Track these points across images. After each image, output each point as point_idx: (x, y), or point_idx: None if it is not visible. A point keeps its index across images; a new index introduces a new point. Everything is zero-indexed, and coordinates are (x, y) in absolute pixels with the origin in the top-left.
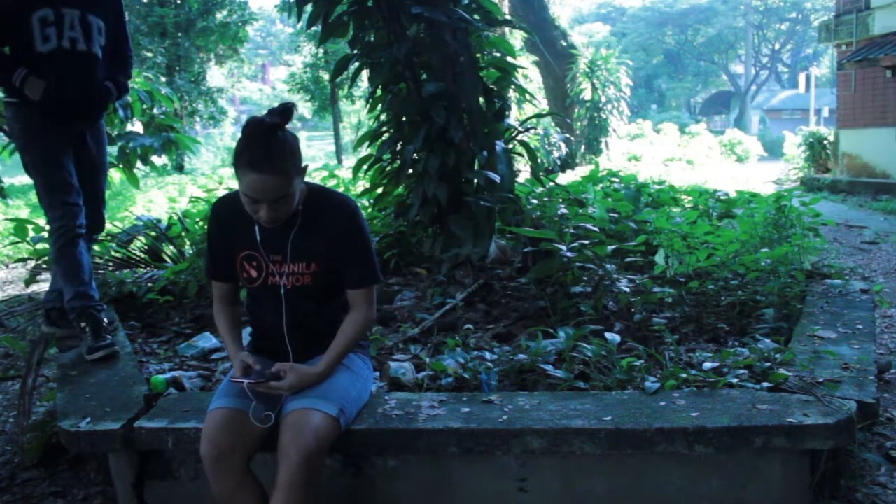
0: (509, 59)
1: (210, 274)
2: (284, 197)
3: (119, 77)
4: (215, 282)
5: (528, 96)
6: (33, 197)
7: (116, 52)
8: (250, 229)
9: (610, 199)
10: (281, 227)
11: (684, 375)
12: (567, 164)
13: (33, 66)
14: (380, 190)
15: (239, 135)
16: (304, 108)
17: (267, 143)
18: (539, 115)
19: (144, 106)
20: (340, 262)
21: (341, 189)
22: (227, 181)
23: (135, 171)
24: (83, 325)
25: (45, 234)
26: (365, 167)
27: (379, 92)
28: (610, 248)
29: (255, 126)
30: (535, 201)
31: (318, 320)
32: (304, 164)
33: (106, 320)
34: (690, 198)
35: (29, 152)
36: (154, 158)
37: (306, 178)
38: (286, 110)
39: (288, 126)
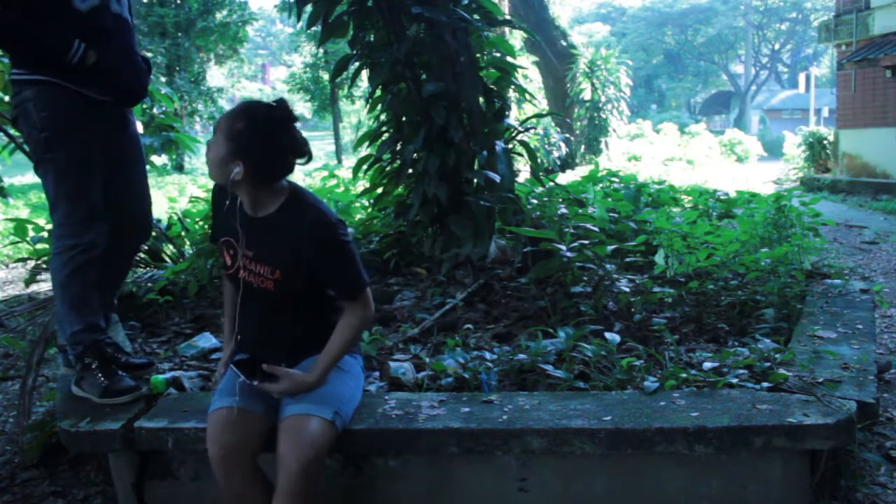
0: (509, 59)
1: (213, 240)
2: (212, 156)
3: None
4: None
5: (528, 96)
6: (33, 197)
7: None
8: (235, 217)
9: (610, 199)
10: (263, 224)
11: (684, 375)
12: (567, 164)
13: (66, 33)
14: (380, 190)
15: None
16: (305, 108)
17: (240, 109)
18: (539, 115)
19: (144, 105)
20: (324, 279)
21: (341, 189)
22: None
23: None
24: (89, 361)
25: (45, 235)
26: (365, 167)
27: (379, 92)
28: (610, 248)
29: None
30: (535, 201)
31: (278, 326)
32: (261, 162)
33: (111, 351)
34: (690, 198)
35: (55, 149)
36: (154, 158)
37: (301, 184)
38: (283, 108)
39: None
